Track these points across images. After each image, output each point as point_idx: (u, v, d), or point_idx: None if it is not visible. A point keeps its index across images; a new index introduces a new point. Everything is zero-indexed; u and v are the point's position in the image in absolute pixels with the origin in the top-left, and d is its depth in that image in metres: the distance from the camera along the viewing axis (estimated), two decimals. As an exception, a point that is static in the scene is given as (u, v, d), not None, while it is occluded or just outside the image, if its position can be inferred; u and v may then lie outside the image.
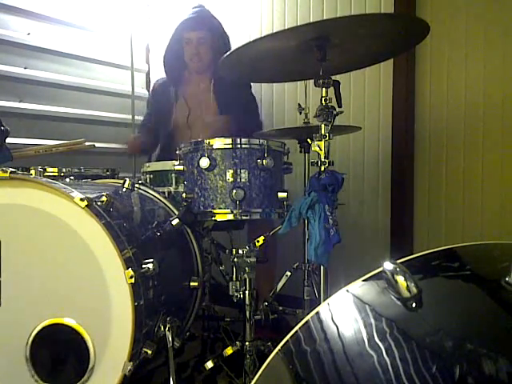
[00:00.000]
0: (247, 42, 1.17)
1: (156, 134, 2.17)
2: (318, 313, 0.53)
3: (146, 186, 1.56)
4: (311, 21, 1.13)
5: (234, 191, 1.36)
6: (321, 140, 1.21)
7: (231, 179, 1.38)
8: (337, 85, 1.26)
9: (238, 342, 1.33)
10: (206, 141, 1.39)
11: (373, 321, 0.49)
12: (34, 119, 2.22)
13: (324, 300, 1.28)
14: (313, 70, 1.23)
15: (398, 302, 0.49)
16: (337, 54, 1.24)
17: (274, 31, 1.14)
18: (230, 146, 1.39)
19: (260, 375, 0.50)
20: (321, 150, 1.21)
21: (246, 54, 1.27)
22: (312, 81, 1.28)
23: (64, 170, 1.59)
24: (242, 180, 1.39)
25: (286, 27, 1.15)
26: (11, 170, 1.14)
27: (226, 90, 2.08)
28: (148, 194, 1.53)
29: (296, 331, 0.52)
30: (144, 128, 2.25)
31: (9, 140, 1.48)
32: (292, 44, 1.21)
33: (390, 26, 1.18)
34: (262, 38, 1.17)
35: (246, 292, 1.30)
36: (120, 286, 1.05)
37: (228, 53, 1.25)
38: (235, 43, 2.35)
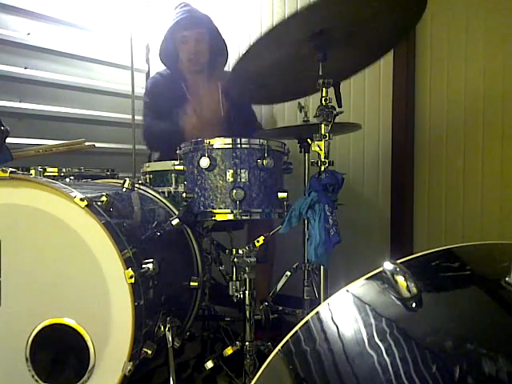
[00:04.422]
0: (247, 48, 1.18)
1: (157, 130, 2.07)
2: (318, 313, 0.53)
3: (146, 186, 1.56)
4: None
5: (234, 191, 1.36)
6: (321, 140, 1.21)
7: (231, 179, 1.38)
8: (337, 85, 1.26)
9: (238, 342, 1.33)
10: (206, 140, 1.39)
11: (373, 321, 0.49)
12: (34, 119, 2.22)
13: (324, 300, 1.28)
14: (314, 78, 1.23)
15: (398, 302, 0.49)
16: (337, 53, 1.24)
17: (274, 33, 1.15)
18: (230, 146, 1.39)
19: (260, 375, 0.50)
20: (321, 149, 1.21)
21: (248, 65, 1.29)
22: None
23: (64, 170, 1.59)
24: (242, 180, 1.39)
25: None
26: (11, 169, 1.13)
27: (228, 90, 2.07)
28: (148, 194, 1.53)
29: (296, 331, 0.52)
30: (153, 134, 2.10)
31: (9, 140, 1.48)
32: (292, 45, 1.21)
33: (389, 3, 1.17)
34: (261, 37, 1.17)
35: (246, 292, 1.30)
36: (120, 286, 1.05)
37: (232, 68, 1.27)
38: (235, 43, 2.36)
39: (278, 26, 1.14)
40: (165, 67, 2.16)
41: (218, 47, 2.09)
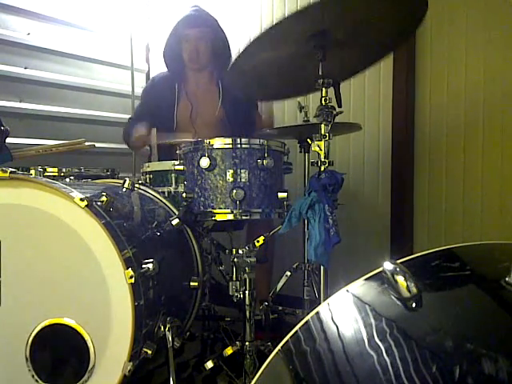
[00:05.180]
0: (246, 45, 1.17)
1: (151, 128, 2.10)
2: (318, 313, 0.53)
3: (146, 186, 1.56)
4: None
5: (234, 191, 1.36)
6: (321, 140, 1.21)
7: (231, 179, 1.38)
8: (337, 85, 1.26)
9: (238, 342, 1.33)
10: (206, 140, 1.39)
11: (373, 321, 0.49)
12: (34, 119, 2.22)
13: (324, 300, 1.28)
14: (314, 77, 1.23)
15: (398, 302, 0.49)
16: (337, 53, 1.24)
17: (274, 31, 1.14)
18: (230, 146, 1.39)
19: (260, 375, 0.50)
20: (321, 149, 1.21)
21: (247, 62, 1.28)
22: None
23: (64, 170, 1.59)
24: (242, 180, 1.39)
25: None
26: (11, 170, 1.13)
27: (228, 87, 2.07)
28: (148, 194, 1.53)
29: (296, 331, 0.52)
30: (135, 122, 2.13)
31: (9, 140, 1.48)
32: (292, 44, 1.21)
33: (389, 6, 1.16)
34: (260, 35, 1.17)
35: (246, 292, 1.30)
36: (120, 286, 1.05)
37: (230, 65, 1.26)
38: (235, 43, 2.35)
39: (277, 24, 1.14)
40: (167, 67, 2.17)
41: (222, 48, 2.09)
